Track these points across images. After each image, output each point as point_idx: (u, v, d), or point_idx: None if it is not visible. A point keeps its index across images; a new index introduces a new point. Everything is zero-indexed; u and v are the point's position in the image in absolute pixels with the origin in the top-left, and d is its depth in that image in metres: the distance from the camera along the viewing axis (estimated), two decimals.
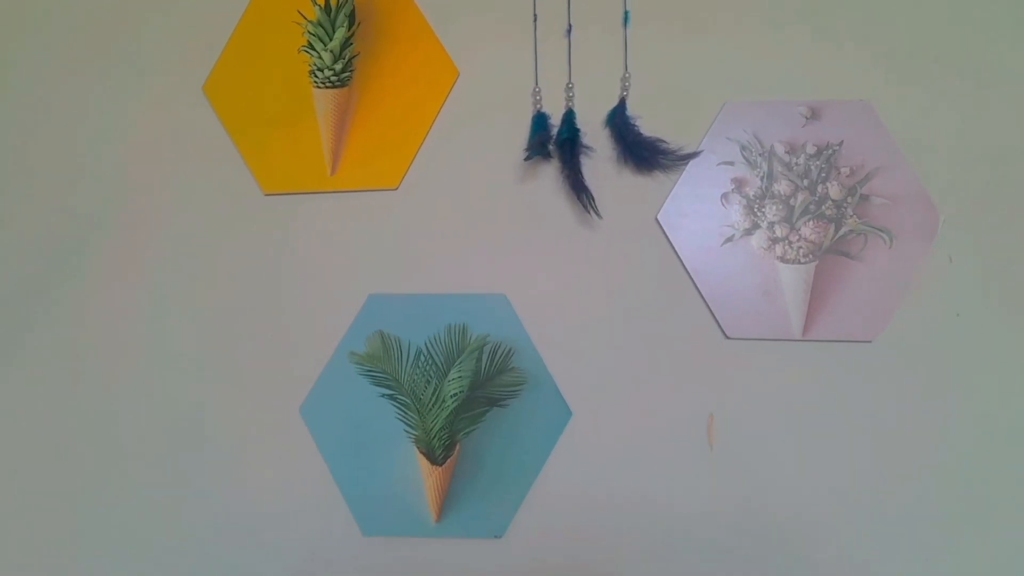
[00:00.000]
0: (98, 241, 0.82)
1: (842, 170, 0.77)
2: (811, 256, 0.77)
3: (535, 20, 0.79)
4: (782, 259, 0.77)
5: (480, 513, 0.78)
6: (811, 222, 0.77)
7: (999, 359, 0.76)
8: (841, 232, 0.77)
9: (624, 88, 0.78)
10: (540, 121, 0.78)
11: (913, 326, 0.76)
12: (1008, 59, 0.77)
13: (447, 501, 0.78)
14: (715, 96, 0.78)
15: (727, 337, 0.77)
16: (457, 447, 0.78)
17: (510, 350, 0.78)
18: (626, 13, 0.78)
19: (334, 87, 0.80)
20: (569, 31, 0.79)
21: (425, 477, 0.79)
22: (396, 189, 0.80)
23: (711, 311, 0.77)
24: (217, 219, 0.81)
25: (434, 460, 0.78)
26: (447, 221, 0.80)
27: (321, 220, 0.80)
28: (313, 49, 0.80)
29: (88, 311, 0.82)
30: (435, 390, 0.78)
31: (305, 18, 0.81)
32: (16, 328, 0.82)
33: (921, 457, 0.76)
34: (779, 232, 0.77)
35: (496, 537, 0.78)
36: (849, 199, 0.77)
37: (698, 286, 0.77)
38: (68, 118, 0.82)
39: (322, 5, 0.80)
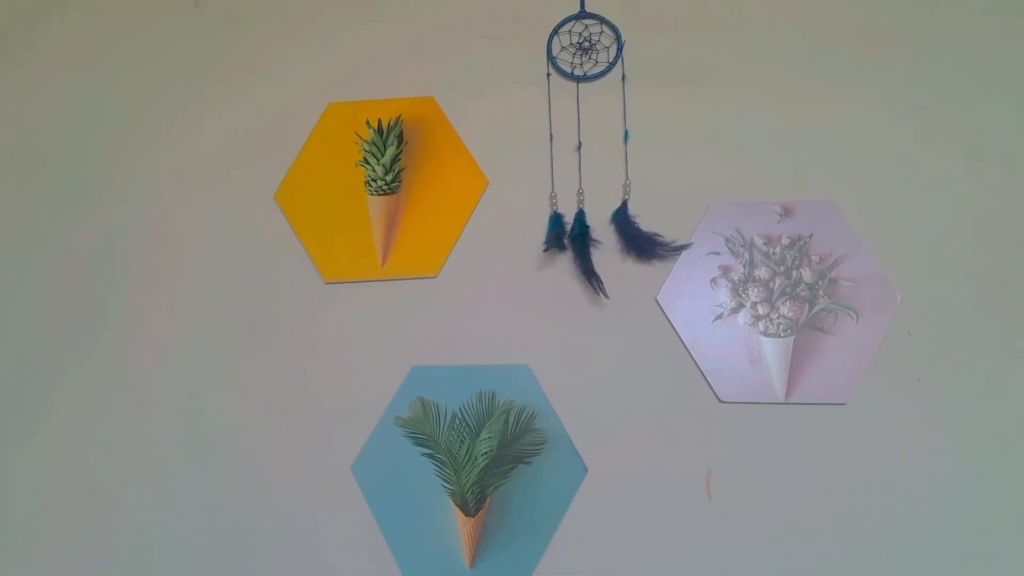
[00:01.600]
0: (176, 319, 0.96)
1: (813, 258, 0.91)
2: (790, 331, 0.90)
3: (551, 139, 0.95)
4: (765, 333, 0.90)
5: (509, 558, 0.88)
6: (788, 302, 0.90)
7: (958, 419, 0.87)
8: (815, 310, 0.90)
9: (626, 192, 0.94)
10: (556, 220, 0.93)
11: (880, 390, 0.88)
12: (952, 157, 0.91)
13: (480, 548, 0.89)
14: (702, 198, 0.92)
15: (720, 401, 0.89)
16: (488, 500, 0.89)
17: (533, 413, 0.90)
18: (626, 132, 0.94)
19: (385, 194, 0.96)
20: (579, 147, 0.95)
21: (460, 526, 0.89)
22: (436, 277, 0.94)
23: (705, 378, 0.89)
24: (285, 305, 0.95)
25: (468, 512, 0.89)
26: (479, 303, 0.93)
27: (373, 304, 0.94)
28: (368, 163, 0.97)
29: (158, 383, 0.94)
30: (468, 449, 0.90)
31: (361, 138, 0.98)
32: (57, 388, 0.95)
33: (893, 506, 0.86)
34: (761, 311, 0.90)
35: None
36: (820, 282, 0.90)
37: (694, 357, 0.90)
38: (147, 207, 0.97)
39: (376, 128, 0.97)
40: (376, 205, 0.96)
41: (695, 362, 0.90)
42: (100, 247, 0.97)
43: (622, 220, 0.92)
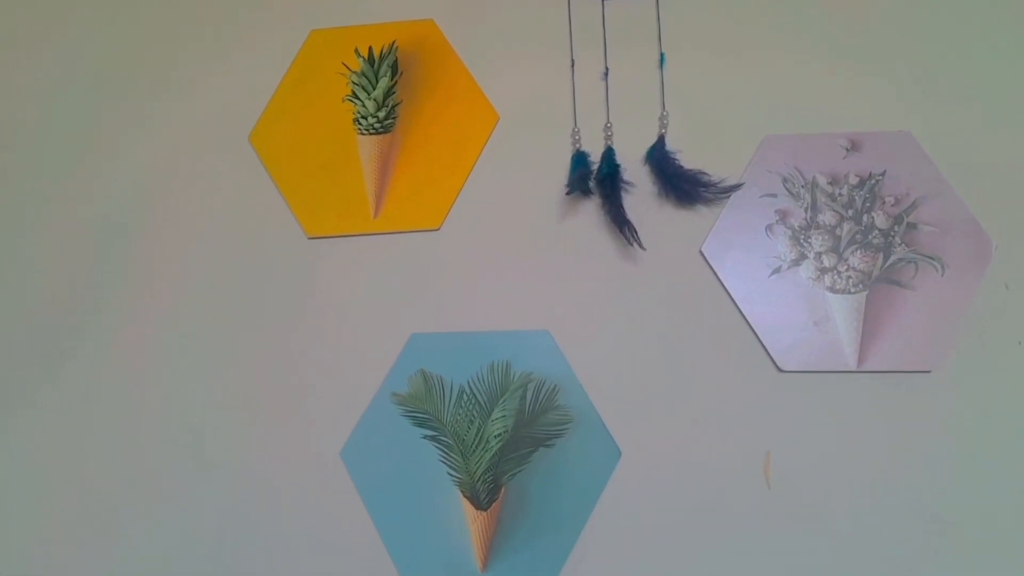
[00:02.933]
0: (141, 283, 0.83)
1: (887, 199, 0.77)
2: (861, 285, 0.76)
3: (572, 65, 0.82)
4: (831, 289, 0.76)
5: (528, 561, 0.75)
6: (859, 252, 0.76)
7: None
8: (890, 261, 0.76)
9: (662, 126, 0.80)
10: (580, 159, 0.79)
11: (973, 355, 0.74)
12: None
13: (493, 548, 0.75)
14: (754, 130, 0.79)
15: (780, 370, 0.75)
16: (503, 490, 0.76)
17: (555, 388, 0.77)
18: (662, 55, 0.81)
19: (377, 133, 0.83)
20: (606, 74, 0.81)
21: (470, 523, 0.76)
22: (438, 229, 0.81)
23: (762, 344, 0.76)
24: (261, 262, 0.82)
25: (479, 505, 0.76)
26: (489, 260, 0.80)
27: (364, 261, 0.81)
28: (357, 98, 0.84)
29: (126, 350, 0.82)
30: (479, 430, 0.77)
31: (349, 69, 0.84)
32: (49, 360, 0.82)
33: (986, 491, 0.73)
34: (827, 262, 0.76)
35: None
36: (896, 228, 0.76)
37: (747, 318, 0.76)
38: (113, 162, 0.85)
39: (366, 57, 0.84)
40: (367, 146, 0.83)
41: (749, 324, 0.76)
42: (71, 218, 0.85)
43: (659, 157, 0.79)
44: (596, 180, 0.79)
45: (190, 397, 0.81)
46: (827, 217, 0.77)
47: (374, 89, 0.83)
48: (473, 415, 0.77)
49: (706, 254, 0.77)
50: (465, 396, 0.77)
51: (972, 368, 0.74)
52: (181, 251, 0.83)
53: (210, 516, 0.79)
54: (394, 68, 0.84)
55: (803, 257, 0.77)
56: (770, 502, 0.74)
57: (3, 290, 0.84)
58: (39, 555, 0.80)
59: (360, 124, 0.83)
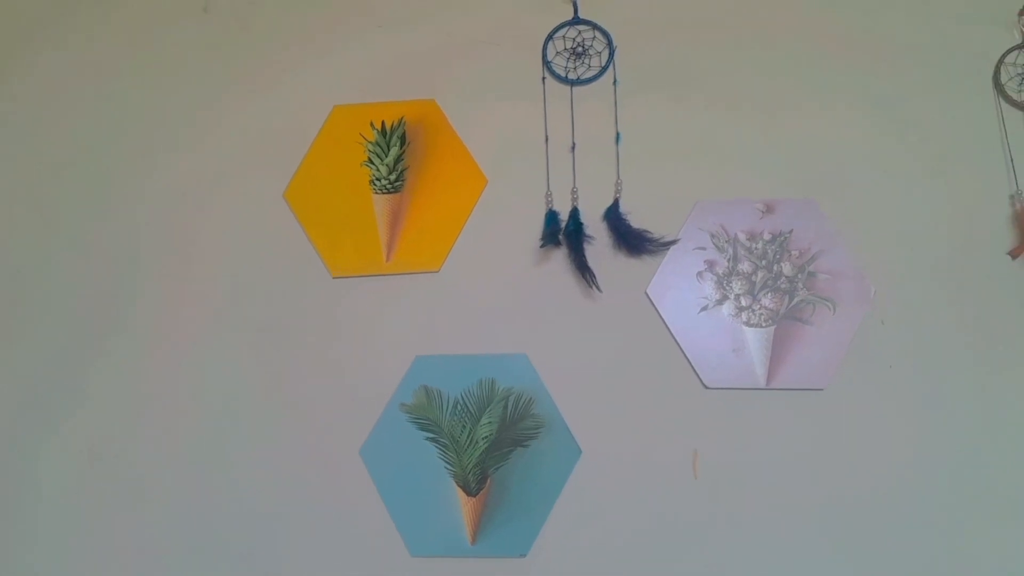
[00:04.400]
0: (192, 310, 0.99)
1: (793, 252, 0.96)
2: (771, 321, 0.95)
3: (547, 140, 1.00)
4: (747, 323, 0.95)
5: (508, 535, 0.93)
6: (770, 294, 0.96)
7: (926, 404, 0.93)
8: (794, 301, 0.95)
9: (617, 191, 0.99)
10: (551, 217, 0.98)
11: (855, 377, 0.93)
12: (930, 153, 0.97)
13: (480, 526, 0.94)
14: (689, 197, 0.97)
15: (706, 387, 0.95)
16: (488, 481, 0.94)
17: (530, 399, 0.95)
18: (617, 134, 0.99)
19: (389, 193, 1.01)
20: (573, 148, 1.00)
21: (462, 506, 0.94)
22: (438, 271, 0.99)
23: (692, 365, 0.95)
24: (294, 296, 0.99)
25: (469, 492, 0.95)
26: (478, 296, 0.98)
27: (378, 296, 0.99)
28: (373, 163, 1.01)
29: (166, 364, 0.98)
30: (469, 433, 0.95)
31: (366, 139, 1.02)
32: (84, 389, 0.99)
33: (867, 486, 0.91)
34: (744, 302, 0.96)
35: (522, 556, 0.93)
36: (800, 275, 0.96)
37: (681, 346, 0.95)
38: (160, 208, 1.01)
39: (379, 129, 1.02)
40: (380, 203, 1.01)
41: (682, 350, 0.95)
42: (121, 245, 1.01)
43: (614, 217, 0.97)
44: (564, 234, 0.97)
45: (229, 408, 0.97)
46: (745, 266, 0.97)
47: (386, 156, 1.01)
48: (465, 421, 0.95)
49: (650, 295, 0.97)
50: (459, 406, 0.96)
51: (855, 386, 0.93)
52: (227, 286, 1.00)
53: (249, 504, 0.96)
54: (403, 139, 1.01)
55: (725, 298, 0.96)
56: (697, 490, 0.93)
57: (47, 309, 0.99)
58: (79, 544, 0.96)
59: (375, 185, 1.01)
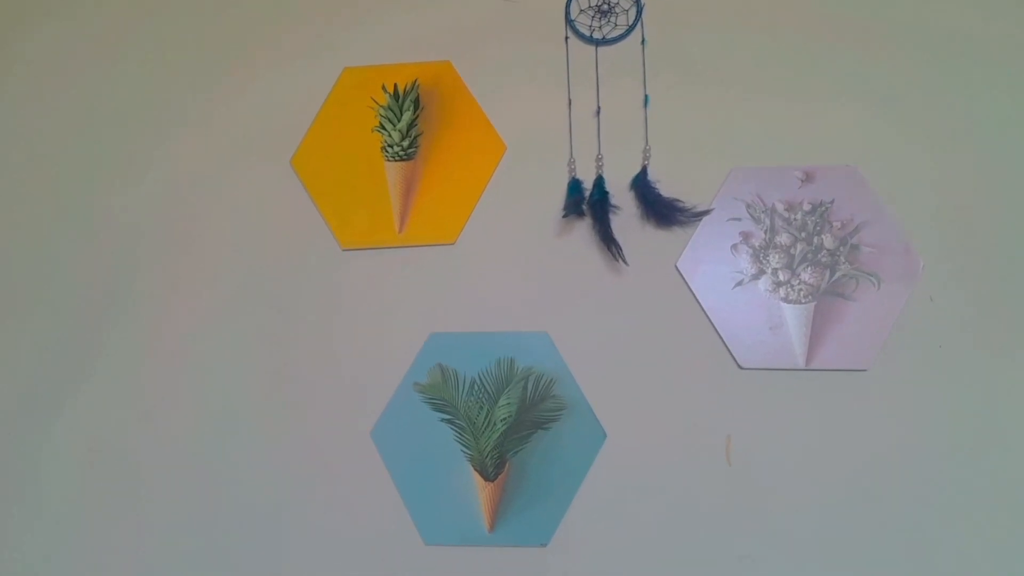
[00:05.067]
0: (197, 288, 0.95)
1: (834, 224, 0.90)
2: (810, 297, 0.89)
3: (569, 104, 0.95)
4: (785, 300, 0.89)
5: (528, 523, 0.89)
6: (809, 268, 0.90)
7: (978, 384, 0.87)
8: (836, 276, 0.89)
9: (645, 158, 0.93)
10: (575, 186, 0.92)
11: (902, 357, 0.88)
12: (977, 121, 0.90)
13: (499, 513, 0.89)
14: (723, 163, 0.92)
15: (740, 367, 0.89)
16: (507, 465, 0.90)
17: (552, 380, 0.90)
18: (646, 96, 0.93)
19: (402, 160, 0.96)
20: (598, 112, 0.94)
21: (479, 492, 0.90)
22: (454, 244, 0.94)
23: (725, 344, 0.89)
24: (302, 270, 0.95)
25: (487, 476, 0.90)
26: (497, 270, 0.93)
27: (390, 270, 0.94)
28: (384, 129, 0.96)
29: (173, 345, 0.94)
30: (487, 415, 0.91)
31: (378, 103, 0.97)
32: (89, 359, 0.95)
33: (911, 473, 0.86)
34: (782, 277, 0.90)
35: (542, 545, 0.89)
36: (841, 248, 0.90)
37: (714, 323, 0.90)
38: (164, 182, 0.97)
39: (392, 92, 0.96)
40: (393, 171, 0.95)
41: (715, 328, 0.89)
42: (125, 223, 0.97)
43: (642, 186, 0.91)
44: (588, 204, 0.92)
45: (235, 387, 0.93)
46: (783, 238, 0.91)
47: (399, 121, 0.96)
48: (482, 402, 0.91)
49: (680, 269, 0.91)
50: (476, 386, 0.91)
51: (901, 367, 0.88)
52: (231, 258, 0.95)
53: (255, 490, 0.92)
54: (416, 103, 0.96)
55: (762, 272, 0.90)
56: (730, 477, 0.88)
57: (44, 291, 0.96)
58: (88, 537, 0.93)
59: (387, 152, 0.96)
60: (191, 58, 0.99)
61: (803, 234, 0.90)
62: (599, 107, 0.94)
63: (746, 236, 0.91)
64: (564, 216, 0.92)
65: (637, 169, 0.92)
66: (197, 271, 0.96)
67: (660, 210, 0.90)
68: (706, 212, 0.91)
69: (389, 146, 0.95)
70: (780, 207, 0.91)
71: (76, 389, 0.95)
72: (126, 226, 0.97)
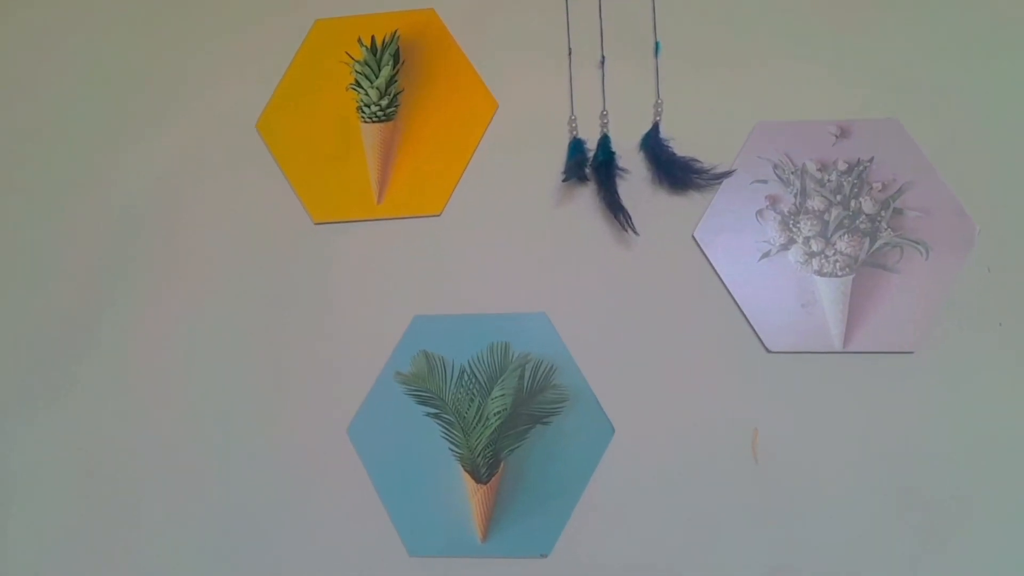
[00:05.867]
0: (151, 268, 0.86)
1: (874, 185, 0.79)
2: (848, 269, 0.78)
3: (570, 54, 0.84)
4: (819, 272, 0.78)
5: (526, 532, 0.78)
6: (846, 236, 0.79)
7: None
8: (876, 245, 0.78)
9: (657, 113, 0.82)
10: (576, 146, 0.82)
11: (955, 337, 0.77)
12: None
13: (493, 520, 0.79)
14: (746, 117, 0.81)
15: (768, 351, 0.78)
16: (502, 465, 0.79)
17: (552, 367, 0.80)
18: (657, 44, 0.83)
19: (380, 121, 0.85)
20: (603, 62, 0.83)
21: (470, 496, 0.79)
22: (439, 215, 0.84)
23: (751, 325, 0.78)
24: (269, 248, 0.85)
25: (479, 479, 0.79)
26: (488, 244, 0.83)
27: (368, 246, 0.84)
28: (360, 86, 0.86)
29: (139, 335, 0.85)
30: (479, 408, 0.80)
31: (353, 58, 0.87)
32: (67, 351, 0.86)
33: (963, 468, 0.76)
34: (815, 246, 0.79)
35: (543, 556, 0.78)
36: (883, 213, 0.79)
37: (737, 301, 0.79)
38: (124, 154, 0.88)
39: (368, 46, 0.86)
40: (370, 134, 0.85)
41: (739, 307, 0.79)
42: (84, 213, 0.88)
43: (653, 144, 0.81)
44: (592, 167, 0.81)
45: (199, 381, 0.84)
46: (816, 203, 0.79)
47: (376, 78, 0.85)
48: (473, 394, 0.80)
49: (698, 239, 0.80)
50: (466, 375, 0.81)
51: (954, 350, 0.77)
52: (191, 238, 0.86)
53: (221, 493, 0.82)
54: (396, 57, 0.86)
55: (792, 241, 0.79)
56: (757, 477, 0.77)
57: (26, 282, 0.87)
58: (73, 539, 0.84)
59: (363, 112, 0.86)
60: (149, 15, 0.90)
61: (838, 197, 0.79)
62: (603, 57, 0.83)
63: (773, 200, 0.80)
64: (564, 181, 0.82)
65: (647, 126, 0.82)
66: (152, 253, 0.87)
67: (674, 171, 0.80)
68: (727, 173, 0.80)
69: (366, 106, 0.86)
70: (812, 167, 0.80)
71: (56, 398, 0.85)
72: (93, 210, 0.88)
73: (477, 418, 0.80)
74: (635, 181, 0.81)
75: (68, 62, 0.90)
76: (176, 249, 0.86)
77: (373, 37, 0.86)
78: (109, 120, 0.89)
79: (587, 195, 0.82)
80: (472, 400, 0.80)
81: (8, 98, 0.90)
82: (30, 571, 0.84)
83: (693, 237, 0.80)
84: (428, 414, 0.81)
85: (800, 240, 0.79)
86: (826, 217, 0.79)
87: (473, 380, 0.80)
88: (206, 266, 0.85)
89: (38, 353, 0.86)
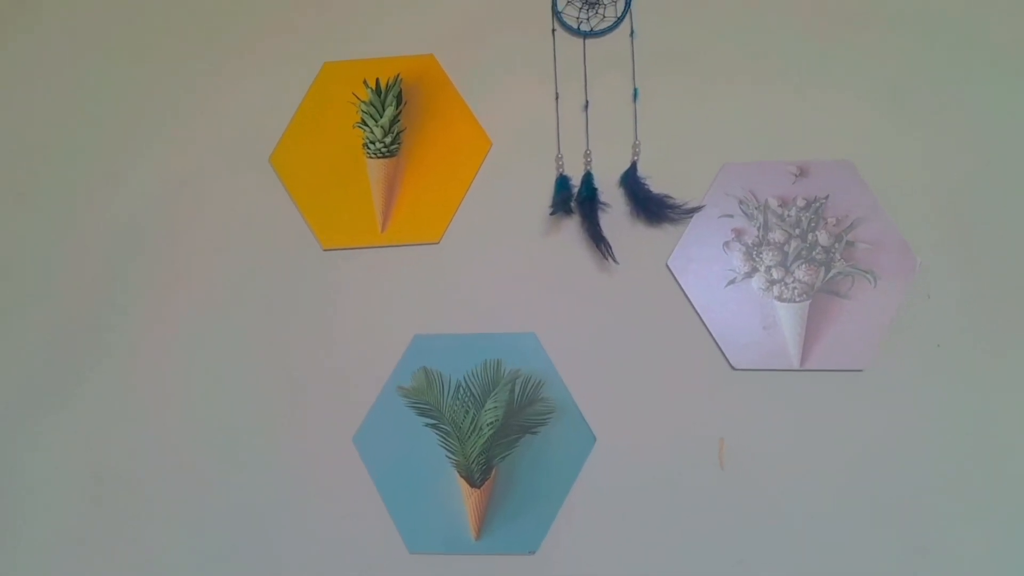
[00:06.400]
0: (171, 288, 0.93)
1: (829, 220, 0.88)
2: (805, 295, 0.87)
3: (557, 98, 0.92)
4: (779, 298, 0.87)
5: (516, 530, 0.86)
6: (804, 266, 0.87)
7: (978, 385, 0.84)
8: (831, 274, 0.87)
9: (635, 153, 0.90)
10: (563, 183, 0.90)
11: (899, 356, 0.85)
12: (974, 117, 0.87)
13: (485, 520, 0.87)
14: (715, 158, 0.89)
15: (733, 368, 0.86)
16: (494, 471, 0.87)
17: (540, 382, 0.88)
18: (635, 90, 0.91)
19: (384, 157, 0.93)
20: (586, 106, 0.91)
21: (465, 498, 0.87)
22: (438, 243, 0.91)
23: (718, 345, 0.87)
24: (282, 271, 0.92)
25: (473, 483, 0.87)
26: (483, 270, 0.90)
27: (373, 271, 0.91)
28: (366, 125, 0.93)
29: (150, 347, 0.92)
30: (473, 419, 0.88)
31: (359, 99, 0.94)
32: (76, 360, 0.93)
33: (910, 477, 0.84)
34: (775, 275, 0.87)
35: (531, 553, 0.86)
36: (836, 245, 0.87)
37: (706, 323, 0.87)
38: (144, 177, 0.95)
39: (373, 87, 0.93)
40: (375, 168, 0.93)
41: (707, 328, 0.87)
42: (104, 230, 0.95)
43: (631, 182, 0.89)
44: (576, 201, 0.89)
45: (214, 393, 0.91)
46: (777, 235, 0.88)
47: (381, 117, 0.93)
48: (468, 406, 0.88)
49: (671, 267, 0.88)
50: (461, 389, 0.88)
51: (898, 367, 0.85)
52: (210, 260, 0.93)
53: (233, 498, 0.89)
54: (399, 98, 0.93)
55: (755, 270, 0.88)
56: (723, 481, 0.86)
57: (37, 292, 0.94)
58: (81, 542, 0.91)
59: (369, 148, 0.93)
60: (171, 55, 0.97)
61: (797, 231, 0.88)
62: (587, 101, 0.91)
63: (739, 233, 0.88)
64: (552, 214, 0.89)
65: (626, 165, 0.90)
66: (173, 274, 0.93)
67: (650, 207, 0.88)
68: (697, 209, 0.88)
69: (371, 143, 0.93)
70: (773, 203, 0.88)
71: (62, 409, 0.92)
72: (109, 226, 0.95)
73: (472, 428, 0.88)
74: (615, 215, 0.89)
75: (87, 97, 0.96)
76: (193, 270, 0.93)
77: (378, 80, 0.93)
78: (128, 141, 0.95)
79: (572, 227, 0.90)
80: (467, 412, 0.88)
81: (40, 116, 0.97)
82: (38, 572, 0.90)
83: (667, 266, 0.88)
84: (427, 424, 0.88)
85: (762, 269, 0.88)
86: (786, 248, 0.88)
87: (468, 394, 0.88)
88: (220, 287, 0.92)
89: (47, 361, 0.93)
